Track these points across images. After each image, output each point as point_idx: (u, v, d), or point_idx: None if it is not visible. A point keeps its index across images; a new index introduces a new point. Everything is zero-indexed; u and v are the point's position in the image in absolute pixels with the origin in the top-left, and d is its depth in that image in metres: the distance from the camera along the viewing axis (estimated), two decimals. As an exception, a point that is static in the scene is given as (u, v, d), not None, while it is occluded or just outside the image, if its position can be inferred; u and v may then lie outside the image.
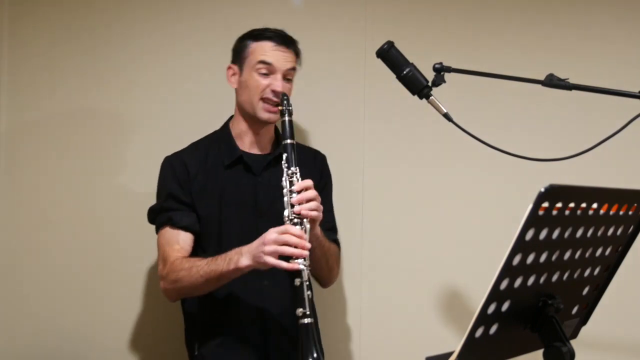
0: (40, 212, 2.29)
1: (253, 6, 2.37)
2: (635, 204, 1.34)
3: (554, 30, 2.41)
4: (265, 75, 1.94)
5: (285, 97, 1.90)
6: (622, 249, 1.44)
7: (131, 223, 2.27)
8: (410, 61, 1.73)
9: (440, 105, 1.69)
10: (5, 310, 2.26)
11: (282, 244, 1.68)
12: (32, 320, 2.27)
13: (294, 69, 1.99)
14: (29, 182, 2.29)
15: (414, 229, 2.39)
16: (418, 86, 1.70)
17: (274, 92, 1.92)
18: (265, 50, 1.94)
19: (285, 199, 1.77)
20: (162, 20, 2.35)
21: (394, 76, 1.74)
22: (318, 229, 1.86)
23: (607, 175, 2.29)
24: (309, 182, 1.80)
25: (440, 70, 1.68)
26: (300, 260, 1.68)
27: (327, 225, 2.00)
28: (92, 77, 2.31)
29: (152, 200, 2.02)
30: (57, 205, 2.29)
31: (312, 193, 1.78)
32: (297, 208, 1.75)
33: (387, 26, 2.37)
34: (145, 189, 2.27)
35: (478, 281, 1.39)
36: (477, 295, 1.43)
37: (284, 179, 1.79)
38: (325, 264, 1.96)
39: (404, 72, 1.71)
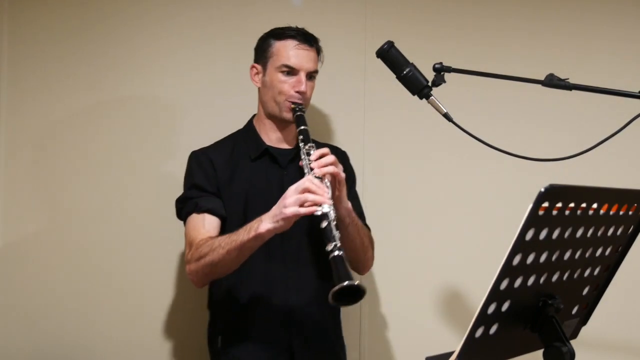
0: (43, 211, 2.28)
1: (253, 6, 2.37)
2: (635, 204, 1.34)
3: (554, 30, 2.42)
4: (289, 75, 1.95)
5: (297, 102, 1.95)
6: (622, 249, 1.44)
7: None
8: (410, 61, 1.73)
9: (440, 105, 1.69)
10: (7, 311, 2.25)
11: (302, 192, 1.66)
12: (36, 322, 2.26)
13: (316, 71, 2.00)
14: (31, 179, 2.28)
15: (414, 229, 2.40)
16: (418, 86, 1.70)
17: (299, 92, 1.94)
18: (289, 50, 1.95)
19: (304, 162, 1.77)
20: (164, 18, 2.35)
21: (394, 76, 1.74)
22: (348, 204, 1.86)
23: (607, 175, 2.30)
24: (325, 149, 1.81)
25: (440, 70, 1.68)
26: (325, 206, 1.64)
27: (355, 211, 1.98)
28: (94, 74, 2.30)
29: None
30: (58, 203, 2.28)
31: (330, 158, 1.78)
32: (317, 170, 1.73)
33: (387, 26, 2.38)
34: (150, 189, 2.29)
35: (478, 281, 1.39)
36: (477, 295, 1.43)
37: (301, 152, 1.80)
38: (360, 243, 1.94)
39: (404, 72, 1.71)
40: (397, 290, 2.41)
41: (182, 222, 2.00)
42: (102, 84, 2.31)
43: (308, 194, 1.66)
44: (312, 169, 1.75)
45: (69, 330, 2.25)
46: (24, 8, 2.29)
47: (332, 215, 1.64)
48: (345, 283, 1.49)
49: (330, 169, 1.76)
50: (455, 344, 1.18)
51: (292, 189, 1.68)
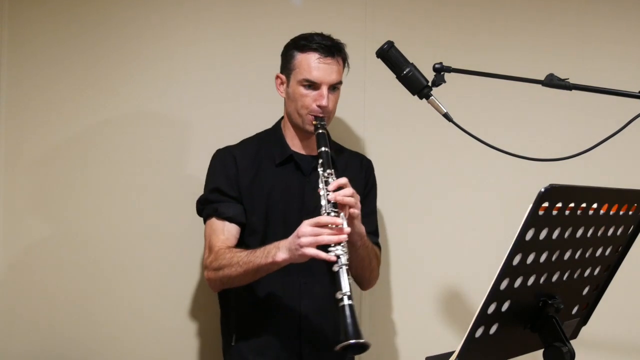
0: (47, 217, 2.27)
1: (253, 8, 2.37)
2: (635, 204, 1.35)
3: (554, 30, 2.41)
4: (311, 88, 1.95)
5: (319, 117, 1.95)
6: (622, 249, 1.44)
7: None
8: (410, 61, 1.73)
9: (440, 105, 1.69)
10: (14, 315, 2.25)
11: (317, 234, 1.66)
12: (43, 327, 2.24)
13: (340, 82, 1.99)
14: (36, 183, 2.26)
15: (414, 229, 2.39)
16: (418, 86, 1.70)
17: (320, 106, 1.93)
18: (310, 64, 1.93)
19: (322, 192, 1.76)
20: (165, 19, 2.34)
21: (394, 76, 1.74)
22: (362, 228, 1.86)
23: (607, 175, 2.30)
24: (344, 180, 1.79)
25: (440, 70, 1.67)
26: (338, 247, 1.65)
27: (370, 228, 2.00)
28: (99, 76, 2.28)
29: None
30: (63, 208, 2.27)
31: (349, 190, 1.77)
32: (332, 195, 1.73)
33: (387, 26, 2.37)
34: (157, 194, 2.29)
35: (478, 281, 1.39)
36: (477, 295, 1.43)
37: (319, 179, 1.79)
38: (368, 264, 1.96)
39: (404, 72, 1.71)
40: (397, 290, 2.40)
41: (196, 226, 2.04)
42: (108, 87, 2.29)
43: (324, 236, 1.65)
44: (329, 201, 1.73)
45: (78, 332, 2.24)
46: (25, 11, 2.28)
47: (343, 259, 1.63)
48: (352, 341, 1.52)
49: (348, 192, 1.75)
50: (455, 344, 1.19)
51: (308, 230, 1.67)
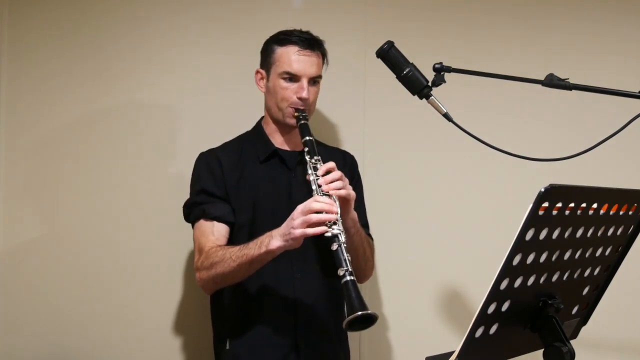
0: (43, 216, 2.27)
1: (253, 7, 2.37)
2: (635, 204, 1.35)
3: (554, 30, 2.41)
4: (291, 81, 1.96)
5: (300, 109, 1.95)
6: (622, 249, 1.44)
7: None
8: (410, 61, 1.73)
9: (440, 105, 1.69)
10: (8, 315, 2.25)
11: (308, 212, 1.66)
12: (37, 327, 2.25)
13: (320, 75, 2.00)
14: (31, 183, 2.27)
15: (414, 229, 2.39)
16: (418, 86, 1.70)
17: (300, 99, 1.94)
18: (290, 56, 1.95)
19: (312, 178, 1.77)
20: (165, 20, 2.34)
21: (394, 76, 1.74)
22: (354, 214, 1.87)
23: (607, 175, 2.30)
24: (331, 164, 1.81)
25: (440, 70, 1.67)
26: (334, 227, 1.65)
27: (360, 221, 2.01)
28: (94, 77, 2.29)
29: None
30: (59, 208, 2.27)
31: (337, 174, 1.79)
32: (324, 187, 1.74)
33: (387, 26, 2.37)
34: (151, 192, 2.28)
35: (478, 281, 1.39)
36: (477, 295, 1.43)
37: (308, 166, 1.81)
38: (362, 253, 1.96)
39: (404, 72, 1.71)
40: (397, 290, 2.40)
41: (187, 225, 2.02)
42: (102, 87, 2.30)
43: (313, 215, 1.66)
44: (320, 186, 1.75)
45: (72, 334, 2.25)
46: (24, 12, 2.29)
47: (342, 238, 1.65)
48: (359, 313, 1.52)
49: (338, 184, 1.77)
50: (455, 344, 1.19)
51: (299, 209, 1.68)
